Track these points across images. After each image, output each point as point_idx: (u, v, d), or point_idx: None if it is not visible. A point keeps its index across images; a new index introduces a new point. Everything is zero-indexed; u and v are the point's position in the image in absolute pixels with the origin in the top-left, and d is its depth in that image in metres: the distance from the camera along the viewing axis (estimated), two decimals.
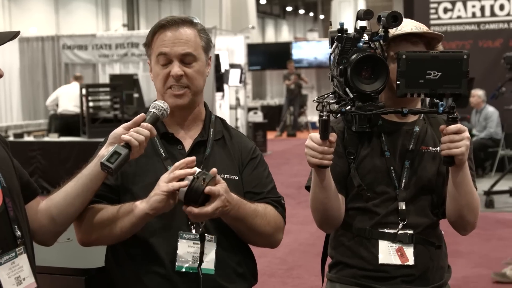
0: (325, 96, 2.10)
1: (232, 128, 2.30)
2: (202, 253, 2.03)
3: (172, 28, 2.09)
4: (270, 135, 16.75)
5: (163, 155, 2.11)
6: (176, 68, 2.06)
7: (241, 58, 15.13)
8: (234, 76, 14.08)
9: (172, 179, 1.90)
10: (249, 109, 17.96)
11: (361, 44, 2.06)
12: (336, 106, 2.07)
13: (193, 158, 1.96)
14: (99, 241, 2.08)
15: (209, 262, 2.03)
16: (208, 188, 1.90)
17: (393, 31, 2.14)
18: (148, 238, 2.04)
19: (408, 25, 2.19)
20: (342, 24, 2.06)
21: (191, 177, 1.90)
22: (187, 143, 2.15)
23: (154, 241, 2.04)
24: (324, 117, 1.97)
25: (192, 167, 1.93)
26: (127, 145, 1.90)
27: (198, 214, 1.90)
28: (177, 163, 1.93)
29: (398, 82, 2.03)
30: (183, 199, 1.90)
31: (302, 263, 5.99)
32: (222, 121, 2.27)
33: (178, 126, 2.16)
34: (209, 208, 1.90)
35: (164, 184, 1.90)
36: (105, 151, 1.93)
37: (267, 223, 2.11)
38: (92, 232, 2.04)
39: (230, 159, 2.17)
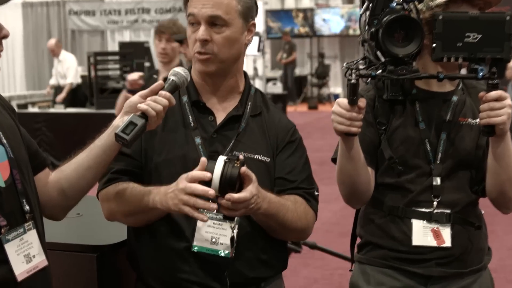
0: (355, 61, 2.08)
1: (272, 104, 2.24)
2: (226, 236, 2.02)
3: None
4: (290, 108, 16.71)
5: (192, 124, 2.08)
6: (200, 32, 2.02)
7: (259, 25, 15.06)
8: (251, 44, 14.02)
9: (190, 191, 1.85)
10: (268, 80, 17.92)
11: (394, 4, 2.03)
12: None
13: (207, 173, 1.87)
14: (125, 223, 2.13)
15: (228, 245, 2.01)
16: (244, 168, 1.86)
17: None
18: (170, 216, 2.03)
19: None
20: None
21: (221, 164, 1.85)
22: (220, 116, 2.12)
23: (175, 216, 2.03)
24: (352, 81, 1.95)
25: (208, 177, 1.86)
26: (144, 115, 1.87)
27: (238, 199, 1.84)
28: (190, 175, 1.86)
29: (433, 45, 2.01)
30: (218, 190, 1.85)
31: (325, 243, 5.97)
32: (263, 96, 2.23)
33: (212, 95, 2.13)
34: (247, 193, 1.86)
35: (185, 197, 1.86)
36: (119, 121, 1.91)
37: (298, 218, 2.07)
38: (116, 215, 2.07)
39: (264, 139, 2.13)
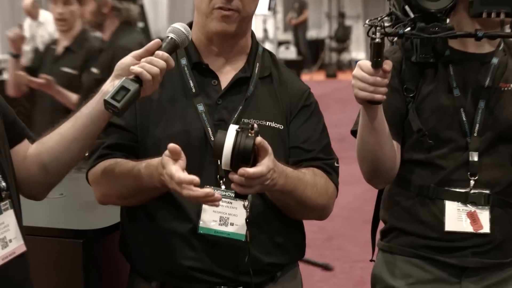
0: (379, 18, 2.08)
1: (283, 66, 2.26)
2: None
3: None
4: (306, 76, 16.69)
5: (193, 90, 2.09)
6: None
7: None
8: (261, 2, 13.98)
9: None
10: (280, 43, 17.87)
11: None
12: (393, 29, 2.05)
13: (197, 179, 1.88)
14: (122, 204, 2.15)
15: (239, 226, 2.02)
16: (259, 139, 1.85)
17: None
18: (170, 192, 2.02)
19: None
20: None
21: (233, 134, 1.84)
22: (225, 79, 2.13)
23: (177, 196, 2.03)
24: (377, 40, 1.95)
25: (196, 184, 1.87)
26: (138, 78, 1.87)
27: (253, 174, 1.84)
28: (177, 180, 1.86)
29: None
30: (230, 165, 1.85)
31: (344, 231, 6.03)
32: (272, 55, 2.25)
33: (216, 57, 2.14)
34: (263, 167, 1.86)
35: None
36: (109, 86, 1.91)
37: (318, 194, 2.09)
38: (111, 199, 2.10)
39: (276, 104, 2.14)
